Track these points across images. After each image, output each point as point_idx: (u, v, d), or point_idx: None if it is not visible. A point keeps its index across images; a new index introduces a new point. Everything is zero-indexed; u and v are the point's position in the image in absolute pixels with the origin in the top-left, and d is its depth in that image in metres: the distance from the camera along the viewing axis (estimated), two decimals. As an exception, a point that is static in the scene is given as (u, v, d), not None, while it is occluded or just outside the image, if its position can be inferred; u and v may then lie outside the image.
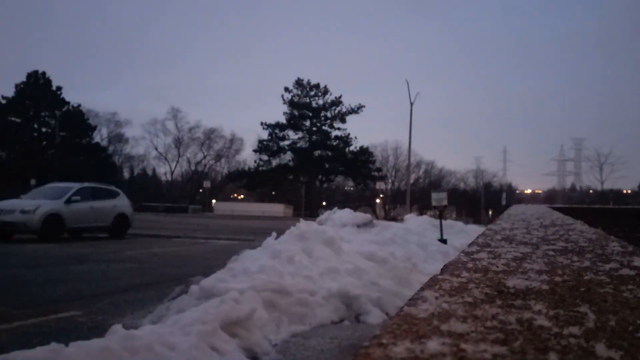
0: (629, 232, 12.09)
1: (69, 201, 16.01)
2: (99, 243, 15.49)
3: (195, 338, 3.85)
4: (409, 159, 38.94)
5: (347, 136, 64.30)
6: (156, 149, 72.58)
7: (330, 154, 62.58)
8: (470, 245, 2.15)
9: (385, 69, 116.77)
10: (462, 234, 15.98)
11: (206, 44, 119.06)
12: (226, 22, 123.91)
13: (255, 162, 65.52)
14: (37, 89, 53.72)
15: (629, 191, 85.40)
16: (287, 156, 65.62)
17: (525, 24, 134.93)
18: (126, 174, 77.97)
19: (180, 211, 54.52)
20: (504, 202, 44.82)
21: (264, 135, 64.84)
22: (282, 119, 64.26)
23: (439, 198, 14.47)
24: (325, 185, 68.86)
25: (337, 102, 64.10)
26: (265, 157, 64.43)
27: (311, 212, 55.43)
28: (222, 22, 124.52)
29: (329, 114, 64.48)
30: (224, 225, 29.14)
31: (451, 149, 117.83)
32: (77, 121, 56.34)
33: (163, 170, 77.03)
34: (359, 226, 9.74)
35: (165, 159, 73.48)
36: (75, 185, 17.02)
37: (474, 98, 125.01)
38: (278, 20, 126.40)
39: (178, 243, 16.25)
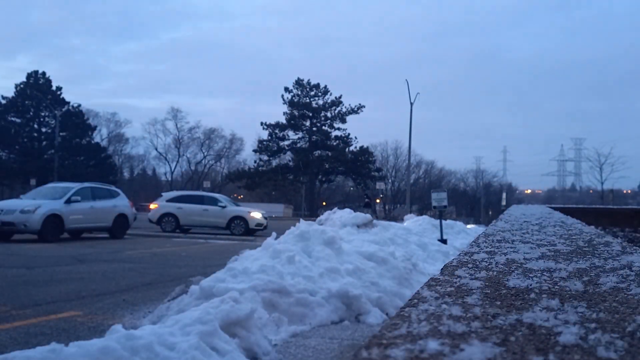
0: (629, 232, 12.09)
1: (69, 201, 16.00)
2: (99, 243, 15.49)
3: (195, 338, 3.85)
4: (409, 159, 38.93)
5: (347, 136, 64.27)
6: (156, 149, 72.57)
7: (330, 154, 62.47)
8: (470, 245, 2.15)
9: (386, 68, 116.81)
10: (462, 234, 16.00)
11: (206, 43, 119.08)
12: (226, 21, 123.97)
13: (255, 162, 65.52)
14: (37, 89, 53.68)
15: (629, 191, 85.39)
16: (287, 156, 65.62)
17: (524, 24, 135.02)
18: (126, 174, 77.94)
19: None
20: (504, 202, 44.80)
21: (264, 135, 64.87)
22: (282, 119, 64.23)
23: (439, 198, 14.47)
24: (325, 185, 68.81)
25: (337, 102, 64.03)
26: (265, 157, 64.41)
27: (311, 212, 55.43)
28: (222, 21, 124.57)
29: (329, 114, 64.42)
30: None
31: (451, 149, 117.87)
32: (77, 121, 56.30)
33: (163, 170, 77.00)
34: (359, 226, 9.73)
35: (165, 159, 73.47)
36: (75, 185, 17.01)
37: (474, 98, 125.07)
38: (278, 20, 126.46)
39: (178, 243, 16.25)
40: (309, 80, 64.40)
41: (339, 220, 9.81)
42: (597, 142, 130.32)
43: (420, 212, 43.70)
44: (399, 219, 27.99)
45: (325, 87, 64.27)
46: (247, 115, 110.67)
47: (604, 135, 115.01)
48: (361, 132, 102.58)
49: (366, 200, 35.95)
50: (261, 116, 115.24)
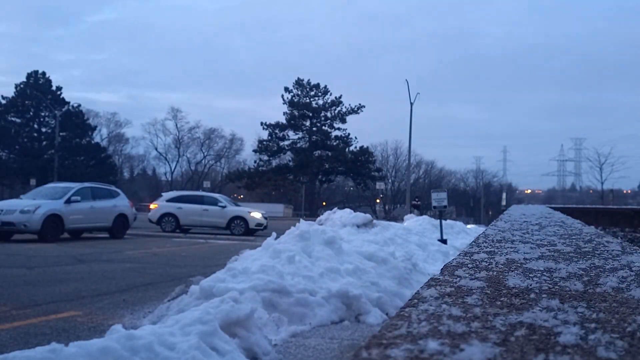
0: (629, 232, 12.10)
1: (69, 201, 16.00)
2: (99, 243, 15.48)
3: (195, 338, 3.85)
4: (409, 159, 38.94)
5: (347, 136, 64.31)
6: (156, 149, 72.60)
7: (330, 154, 62.50)
8: (470, 245, 2.16)
9: (386, 68, 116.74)
10: (462, 234, 16.02)
11: (206, 43, 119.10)
12: (226, 20, 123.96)
13: (255, 162, 65.55)
14: (37, 89, 53.68)
15: (629, 191, 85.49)
16: (287, 156, 65.65)
17: (524, 24, 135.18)
18: (126, 174, 77.95)
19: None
20: (504, 202, 44.84)
21: (264, 135, 64.91)
22: (282, 119, 64.28)
23: (439, 198, 14.47)
24: (325, 185, 68.83)
25: (337, 102, 64.07)
26: (265, 157, 64.43)
27: (311, 212, 55.44)
28: (222, 20, 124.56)
29: (329, 114, 64.45)
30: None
31: (451, 149, 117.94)
32: (77, 121, 56.31)
33: (163, 170, 77.02)
34: (359, 226, 9.73)
35: (165, 159, 73.49)
36: (75, 185, 17.01)
37: (474, 98, 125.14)
38: (278, 19, 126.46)
39: (178, 243, 16.25)
40: (309, 80, 64.49)
41: (339, 220, 9.82)
42: (597, 142, 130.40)
43: (420, 212, 43.65)
44: (399, 219, 27.99)
45: (325, 87, 64.35)
46: (247, 115, 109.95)
47: (604, 135, 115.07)
48: (361, 132, 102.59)
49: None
50: (261, 116, 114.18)
